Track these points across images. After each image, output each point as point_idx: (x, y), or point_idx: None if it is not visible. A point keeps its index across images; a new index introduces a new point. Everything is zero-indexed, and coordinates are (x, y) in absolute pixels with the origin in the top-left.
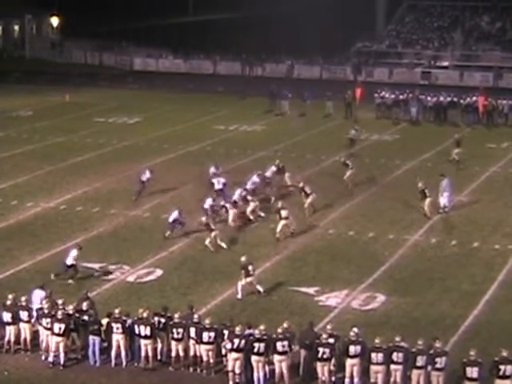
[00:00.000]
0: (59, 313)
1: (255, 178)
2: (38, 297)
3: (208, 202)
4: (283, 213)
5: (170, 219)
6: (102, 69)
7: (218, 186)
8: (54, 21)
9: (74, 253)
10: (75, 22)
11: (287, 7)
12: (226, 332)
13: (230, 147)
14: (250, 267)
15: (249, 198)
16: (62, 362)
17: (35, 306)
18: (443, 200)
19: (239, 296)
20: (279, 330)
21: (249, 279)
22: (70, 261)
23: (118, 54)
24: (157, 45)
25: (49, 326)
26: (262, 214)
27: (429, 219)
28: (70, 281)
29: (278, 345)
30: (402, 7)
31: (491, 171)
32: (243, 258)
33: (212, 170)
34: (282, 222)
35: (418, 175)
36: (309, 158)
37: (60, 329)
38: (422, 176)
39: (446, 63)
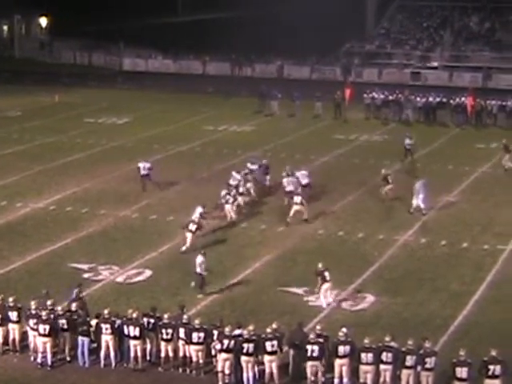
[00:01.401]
0: (43, 313)
1: (236, 175)
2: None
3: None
4: (296, 198)
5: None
6: (92, 69)
7: (143, 172)
8: (43, 21)
9: (199, 259)
10: (64, 22)
11: (277, 8)
12: (215, 332)
13: (220, 148)
14: (327, 273)
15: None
16: (49, 363)
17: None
18: (418, 202)
19: (324, 305)
20: (268, 330)
21: (326, 285)
22: (197, 268)
23: (107, 54)
24: (146, 45)
25: (35, 326)
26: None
27: (383, 202)
28: (193, 283)
29: (268, 345)
30: (392, 7)
31: (480, 171)
32: (320, 265)
33: (145, 164)
34: (295, 208)
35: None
36: (298, 159)
37: (45, 329)
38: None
39: (435, 64)
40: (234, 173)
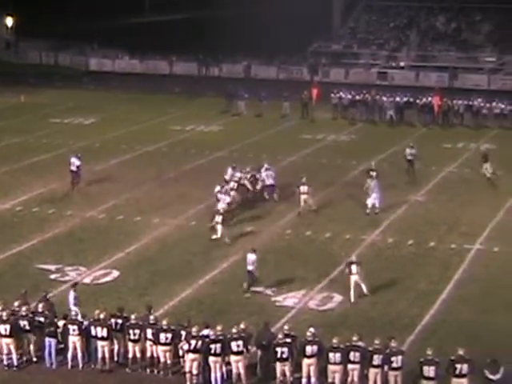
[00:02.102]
0: (4, 314)
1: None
2: (71, 297)
3: (216, 189)
4: (302, 188)
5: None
6: (58, 69)
7: (72, 168)
8: (9, 21)
9: (251, 257)
10: (30, 22)
11: (244, 8)
12: (183, 333)
13: (188, 148)
14: (353, 266)
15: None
16: (15, 364)
17: (71, 307)
18: (371, 201)
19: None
20: (234, 330)
21: (352, 278)
22: (250, 267)
23: (73, 54)
24: (113, 45)
25: None
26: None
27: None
28: (245, 285)
29: (233, 345)
30: (359, 7)
31: (447, 171)
32: (353, 257)
33: (74, 161)
34: (303, 197)
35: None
36: (265, 159)
37: (6, 330)
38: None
39: (402, 63)
40: (229, 169)
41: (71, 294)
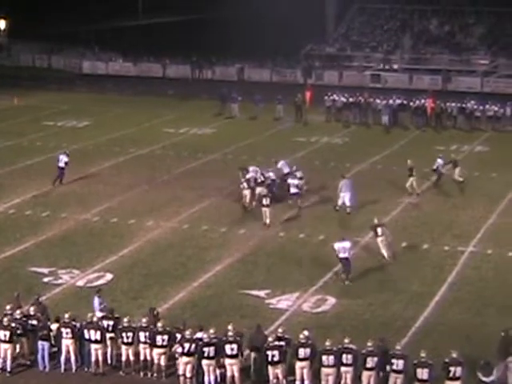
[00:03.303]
0: (5, 319)
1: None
2: (96, 303)
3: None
4: (298, 173)
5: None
6: (51, 72)
7: (60, 164)
8: (2, 24)
9: (346, 244)
10: (23, 25)
11: (237, 10)
12: (178, 336)
13: (181, 150)
14: (379, 229)
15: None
16: (8, 369)
17: (97, 313)
18: (340, 200)
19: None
20: (229, 333)
21: (378, 239)
22: (343, 254)
23: (67, 57)
24: (106, 48)
25: None
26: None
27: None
28: (342, 275)
29: (227, 348)
30: (352, 10)
31: None
32: (375, 220)
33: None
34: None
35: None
36: (259, 161)
37: (5, 336)
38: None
39: (395, 66)
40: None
41: (96, 300)
